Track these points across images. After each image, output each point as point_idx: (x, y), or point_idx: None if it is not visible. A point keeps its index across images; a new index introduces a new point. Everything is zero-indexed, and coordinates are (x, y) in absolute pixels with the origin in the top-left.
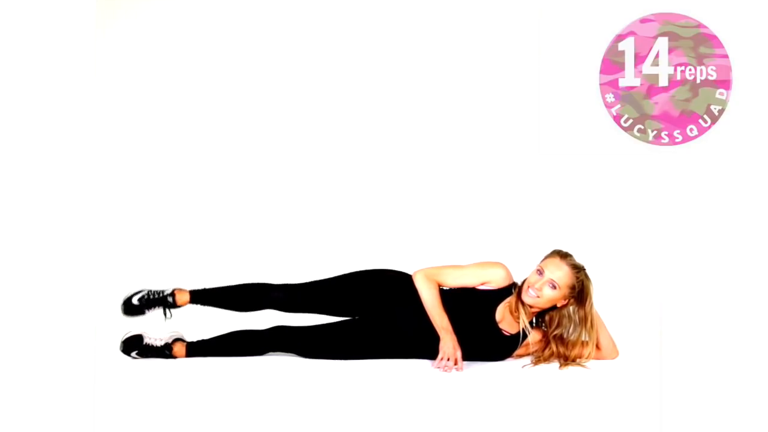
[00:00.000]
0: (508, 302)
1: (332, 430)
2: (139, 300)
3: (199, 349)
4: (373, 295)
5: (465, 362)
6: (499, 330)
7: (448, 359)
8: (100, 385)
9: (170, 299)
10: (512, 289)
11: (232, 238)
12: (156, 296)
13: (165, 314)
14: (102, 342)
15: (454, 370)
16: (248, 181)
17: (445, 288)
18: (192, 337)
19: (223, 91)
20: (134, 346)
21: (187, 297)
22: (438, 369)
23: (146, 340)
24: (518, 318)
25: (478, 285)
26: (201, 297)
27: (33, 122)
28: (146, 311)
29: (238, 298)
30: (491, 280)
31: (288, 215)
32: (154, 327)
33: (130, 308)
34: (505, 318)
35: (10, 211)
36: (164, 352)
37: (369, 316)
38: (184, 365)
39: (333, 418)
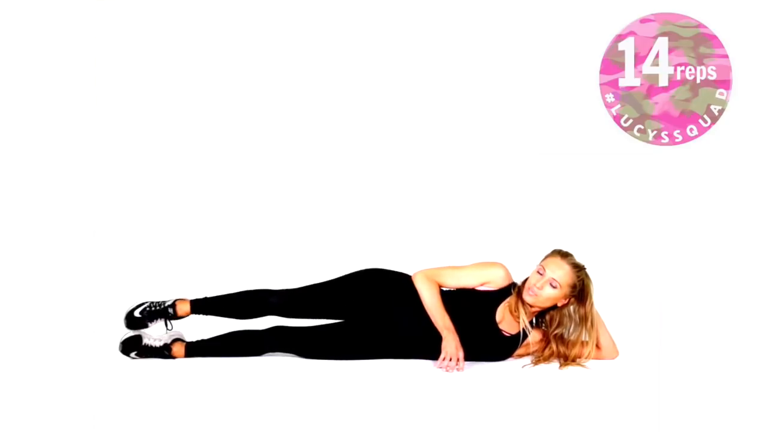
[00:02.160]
0: (508, 302)
1: (332, 430)
2: (141, 312)
3: (198, 349)
4: (371, 296)
5: (465, 362)
6: (499, 331)
7: (451, 359)
8: (99, 385)
9: (171, 310)
10: (512, 289)
11: (230, 236)
12: (157, 308)
13: (166, 326)
14: (102, 342)
15: (455, 370)
16: (247, 180)
17: (445, 289)
18: (191, 337)
19: (222, 93)
20: (133, 346)
21: (188, 308)
22: (441, 369)
23: (145, 341)
24: (518, 318)
25: (478, 285)
26: (201, 307)
27: (33, 123)
28: (149, 324)
29: (237, 306)
30: (491, 280)
31: (288, 214)
32: (153, 328)
33: (132, 321)
34: (505, 318)
35: (9, 212)
36: (163, 352)
37: (368, 316)
38: (183, 365)
39: (333, 418)
